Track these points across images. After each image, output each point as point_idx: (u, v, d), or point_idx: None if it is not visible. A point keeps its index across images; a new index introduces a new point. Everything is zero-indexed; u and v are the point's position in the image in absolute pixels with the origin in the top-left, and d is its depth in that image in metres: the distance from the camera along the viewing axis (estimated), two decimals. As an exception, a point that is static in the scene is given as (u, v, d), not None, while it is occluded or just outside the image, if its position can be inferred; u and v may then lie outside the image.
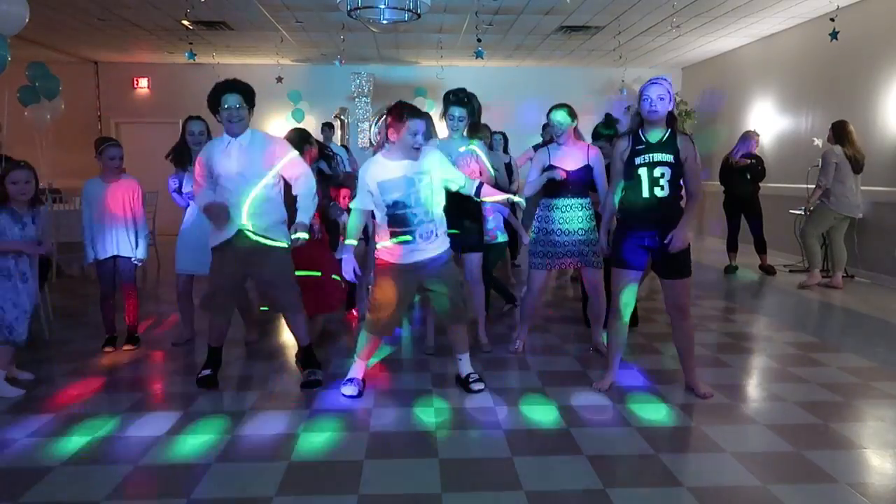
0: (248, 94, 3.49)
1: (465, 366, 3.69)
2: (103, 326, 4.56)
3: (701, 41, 9.43)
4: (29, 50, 9.04)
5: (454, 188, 3.51)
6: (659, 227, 3.33)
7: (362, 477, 2.65)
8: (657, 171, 3.28)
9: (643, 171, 3.30)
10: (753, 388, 3.78)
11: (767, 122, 9.04)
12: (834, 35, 6.64)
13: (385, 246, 3.44)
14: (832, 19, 6.66)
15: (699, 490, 2.55)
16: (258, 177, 3.49)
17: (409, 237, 3.35)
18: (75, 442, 2.99)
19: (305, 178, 3.62)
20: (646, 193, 3.31)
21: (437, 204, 3.42)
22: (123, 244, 4.41)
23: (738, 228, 7.65)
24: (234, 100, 3.43)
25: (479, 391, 3.57)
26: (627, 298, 3.51)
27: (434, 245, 3.43)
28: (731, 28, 8.58)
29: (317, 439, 3.04)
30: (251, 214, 3.50)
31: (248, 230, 3.51)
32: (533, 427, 3.19)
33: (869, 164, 7.01)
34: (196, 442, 3.02)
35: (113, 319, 4.55)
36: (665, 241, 3.29)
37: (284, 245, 3.62)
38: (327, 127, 8.95)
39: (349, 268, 3.45)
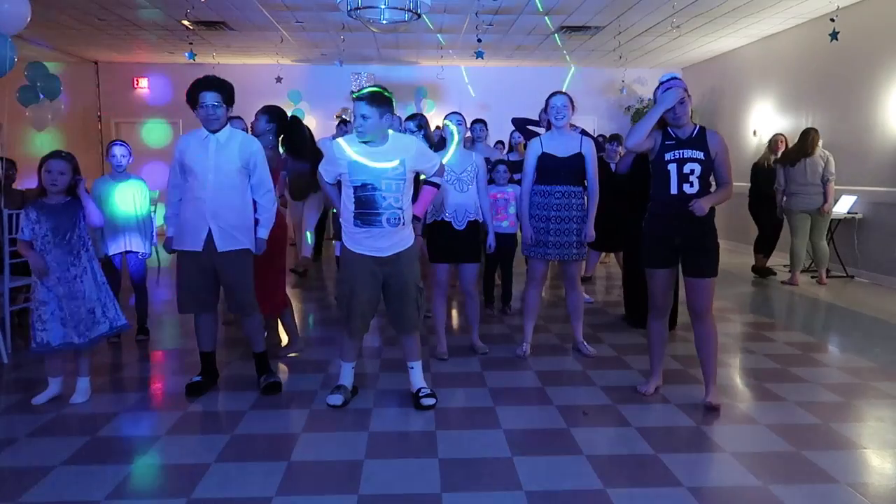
0: (225, 92, 3.45)
1: (417, 378, 3.51)
2: None
3: (701, 41, 9.42)
4: (29, 50, 9.04)
5: (428, 175, 3.41)
6: (689, 224, 3.31)
7: (362, 477, 2.65)
8: (687, 168, 3.29)
9: (672, 167, 3.31)
10: (753, 388, 3.78)
11: (767, 122, 9.04)
12: (834, 35, 6.64)
13: (349, 232, 3.31)
14: (832, 19, 6.65)
15: (699, 490, 2.55)
16: (228, 175, 3.46)
17: (375, 220, 3.20)
18: (75, 442, 2.99)
19: (269, 192, 3.61)
20: (674, 190, 3.31)
21: (407, 193, 3.27)
22: (133, 241, 4.63)
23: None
24: (210, 98, 3.39)
25: (430, 407, 3.39)
26: (665, 298, 3.48)
27: (399, 235, 3.28)
28: (731, 28, 8.58)
29: (317, 439, 3.04)
30: (214, 213, 3.43)
31: (214, 232, 3.45)
32: (533, 427, 3.19)
33: (869, 164, 7.04)
34: (196, 442, 3.02)
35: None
36: (688, 206, 3.25)
37: (247, 247, 3.57)
38: (343, 124, 8.60)
39: None
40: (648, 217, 3.47)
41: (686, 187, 3.29)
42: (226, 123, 3.51)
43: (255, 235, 3.61)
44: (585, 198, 4.18)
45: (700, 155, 3.29)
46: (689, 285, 3.39)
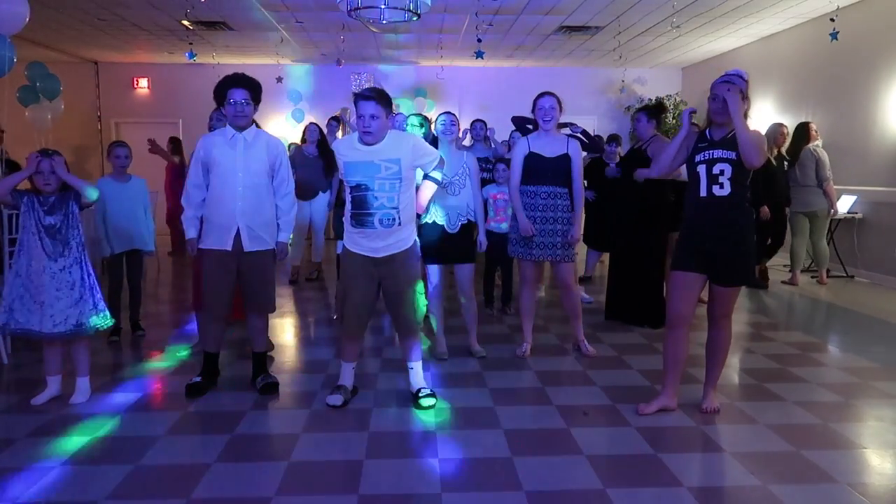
0: (254, 90, 3.48)
1: (417, 378, 3.51)
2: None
3: (701, 41, 9.42)
4: (29, 50, 9.04)
5: (427, 171, 3.41)
6: (718, 228, 3.13)
7: (362, 477, 2.65)
8: (716, 169, 3.12)
9: (702, 169, 3.15)
10: (753, 388, 3.78)
11: (767, 122, 9.00)
12: (834, 35, 6.64)
13: (348, 232, 3.34)
14: (832, 19, 6.66)
15: (699, 490, 2.55)
16: (257, 174, 3.49)
17: (367, 221, 3.20)
18: (75, 442, 2.99)
19: (288, 195, 3.64)
20: (703, 192, 3.15)
21: (404, 192, 3.24)
22: (138, 239, 4.70)
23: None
24: (240, 94, 3.41)
25: (430, 407, 3.38)
26: (685, 306, 3.24)
27: (395, 237, 3.27)
28: (731, 28, 8.58)
29: (317, 439, 3.04)
30: (244, 212, 3.46)
31: (242, 231, 3.48)
32: (533, 427, 3.19)
33: (869, 164, 7.04)
34: (196, 442, 3.02)
35: (119, 312, 4.72)
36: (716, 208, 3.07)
37: (271, 248, 3.61)
38: (335, 120, 8.57)
39: None
40: (683, 220, 3.29)
41: (716, 189, 3.10)
42: (252, 122, 3.53)
43: (277, 239, 3.64)
44: (571, 199, 4.15)
45: (731, 155, 3.08)
46: (712, 290, 3.27)
